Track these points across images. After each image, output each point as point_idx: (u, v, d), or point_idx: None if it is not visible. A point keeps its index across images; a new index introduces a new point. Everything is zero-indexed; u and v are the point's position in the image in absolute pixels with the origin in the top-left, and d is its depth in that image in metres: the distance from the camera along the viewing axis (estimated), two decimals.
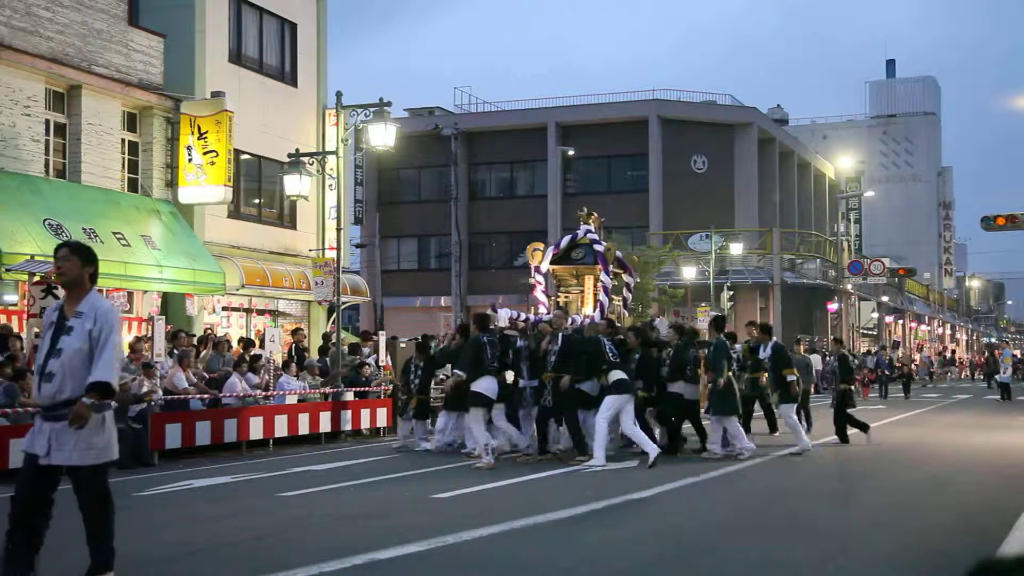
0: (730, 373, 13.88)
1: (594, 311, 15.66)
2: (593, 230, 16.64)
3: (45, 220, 16.56)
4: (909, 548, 7.64)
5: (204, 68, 20.89)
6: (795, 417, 14.86)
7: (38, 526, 6.01)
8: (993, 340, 79.57)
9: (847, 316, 51.39)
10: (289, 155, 19.55)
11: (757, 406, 16.38)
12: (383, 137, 19.05)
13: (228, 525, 8.75)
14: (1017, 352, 50.78)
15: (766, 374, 15.56)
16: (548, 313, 15.24)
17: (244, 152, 21.80)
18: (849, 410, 16.31)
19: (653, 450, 12.60)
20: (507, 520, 8.43)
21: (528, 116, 47.63)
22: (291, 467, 13.04)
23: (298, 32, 23.94)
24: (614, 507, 9.46)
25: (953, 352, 62.13)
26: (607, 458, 12.77)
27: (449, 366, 15.60)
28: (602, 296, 15.89)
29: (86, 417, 5.85)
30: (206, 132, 19.66)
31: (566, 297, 16.53)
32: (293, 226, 23.45)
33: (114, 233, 17.71)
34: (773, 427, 17.04)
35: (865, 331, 57.40)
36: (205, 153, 19.67)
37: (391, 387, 18.72)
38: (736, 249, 41.70)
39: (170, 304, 19.86)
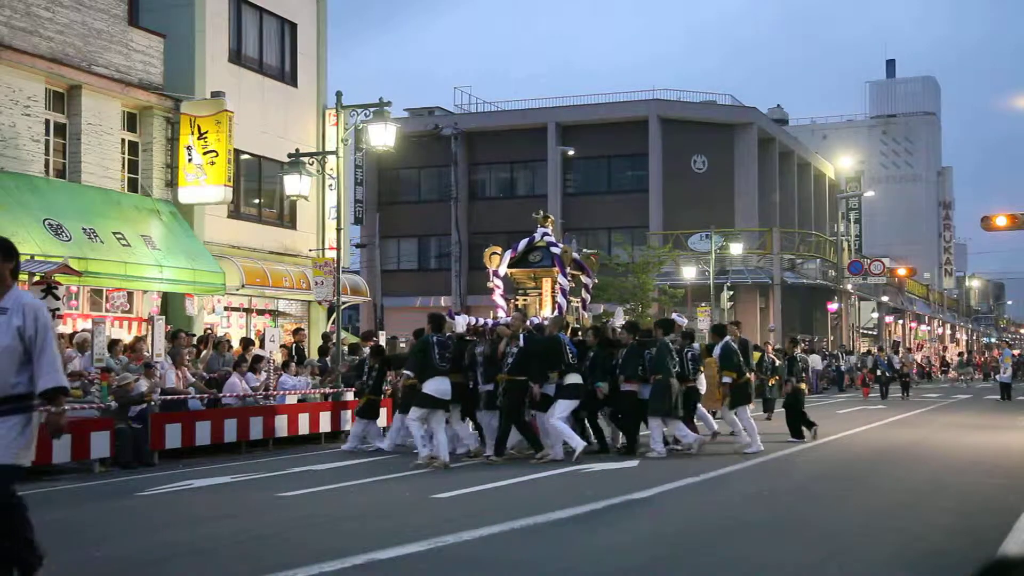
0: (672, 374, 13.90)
1: (553, 313, 15.85)
2: (550, 233, 16.94)
3: (45, 220, 16.57)
4: (909, 548, 7.64)
5: (204, 68, 20.90)
6: (747, 418, 14.89)
7: None
8: (993, 340, 79.62)
9: (847, 316, 51.43)
10: (289, 155, 19.55)
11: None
12: (383, 137, 19.05)
13: (228, 525, 8.75)
14: (1016, 352, 50.69)
15: (751, 374, 16.17)
16: (507, 316, 15.39)
17: (244, 152, 21.80)
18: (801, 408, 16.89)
19: (579, 444, 13.13)
20: (507, 520, 8.43)
21: (528, 116, 47.62)
22: (291, 467, 13.04)
23: (298, 32, 23.94)
24: (614, 507, 9.45)
25: (970, 353, 61.70)
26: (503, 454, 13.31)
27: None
28: (560, 298, 16.12)
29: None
30: (206, 132, 19.66)
31: (524, 300, 16.72)
32: (293, 226, 23.45)
33: (114, 233, 17.71)
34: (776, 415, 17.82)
35: (865, 331, 57.42)
36: (205, 153, 19.67)
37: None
38: (736, 249, 41.69)
39: (170, 304, 19.86)
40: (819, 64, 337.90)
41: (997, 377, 35.19)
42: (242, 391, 16.00)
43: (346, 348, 20.05)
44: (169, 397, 14.71)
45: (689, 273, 39.30)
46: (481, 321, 15.16)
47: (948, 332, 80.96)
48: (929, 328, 73.63)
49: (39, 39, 17.58)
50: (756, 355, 19.79)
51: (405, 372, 13.49)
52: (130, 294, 19.17)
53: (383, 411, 16.49)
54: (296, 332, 21.12)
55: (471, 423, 14.61)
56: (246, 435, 15.31)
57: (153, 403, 14.22)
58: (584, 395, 13.70)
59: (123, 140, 19.43)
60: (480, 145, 47.21)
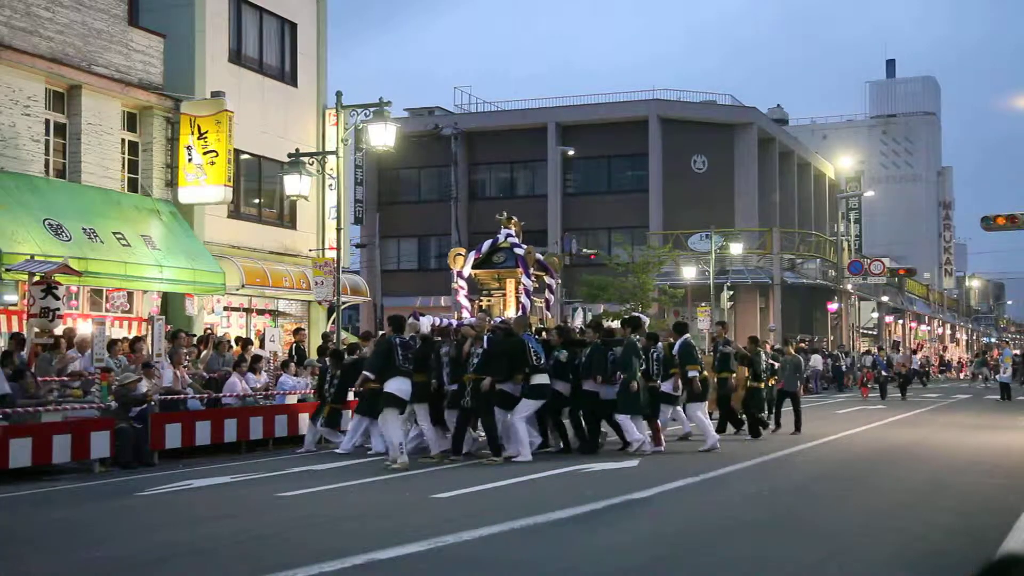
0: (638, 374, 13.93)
1: (517, 313, 15.90)
2: (514, 234, 17.04)
3: (45, 220, 16.57)
4: (909, 548, 7.64)
5: (204, 68, 20.89)
6: (700, 415, 15.10)
7: None
8: (993, 340, 79.61)
9: (847, 316, 51.40)
10: (289, 155, 19.55)
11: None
12: (383, 137, 19.05)
13: (228, 525, 8.75)
14: (1017, 352, 50.63)
15: (734, 373, 16.62)
16: (471, 316, 15.45)
17: (244, 152, 21.80)
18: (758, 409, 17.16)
19: (527, 456, 13.12)
20: (507, 520, 8.43)
21: (528, 116, 47.63)
22: (291, 467, 13.05)
23: (298, 32, 23.94)
24: (614, 507, 9.46)
25: (984, 353, 61.49)
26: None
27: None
28: (524, 298, 16.24)
29: None
30: (206, 132, 19.66)
31: (488, 300, 16.80)
32: (293, 226, 23.45)
33: (114, 233, 17.71)
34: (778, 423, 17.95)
35: (865, 331, 57.40)
36: (205, 153, 19.67)
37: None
38: (736, 249, 41.69)
39: (170, 304, 19.86)
40: (819, 64, 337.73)
41: (997, 377, 35.18)
42: (242, 391, 16.00)
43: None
44: (166, 397, 14.71)
45: (689, 273, 39.30)
46: (444, 322, 15.19)
47: (948, 332, 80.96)
48: (929, 328, 73.63)
49: (39, 39, 17.58)
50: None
51: (364, 373, 13.47)
52: (130, 294, 19.17)
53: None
54: (296, 332, 21.11)
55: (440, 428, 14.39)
56: (246, 435, 15.31)
57: (153, 403, 14.23)
58: (551, 395, 13.69)
59: (123, 140, 19.43)
60: (480, 145, 47.22)
